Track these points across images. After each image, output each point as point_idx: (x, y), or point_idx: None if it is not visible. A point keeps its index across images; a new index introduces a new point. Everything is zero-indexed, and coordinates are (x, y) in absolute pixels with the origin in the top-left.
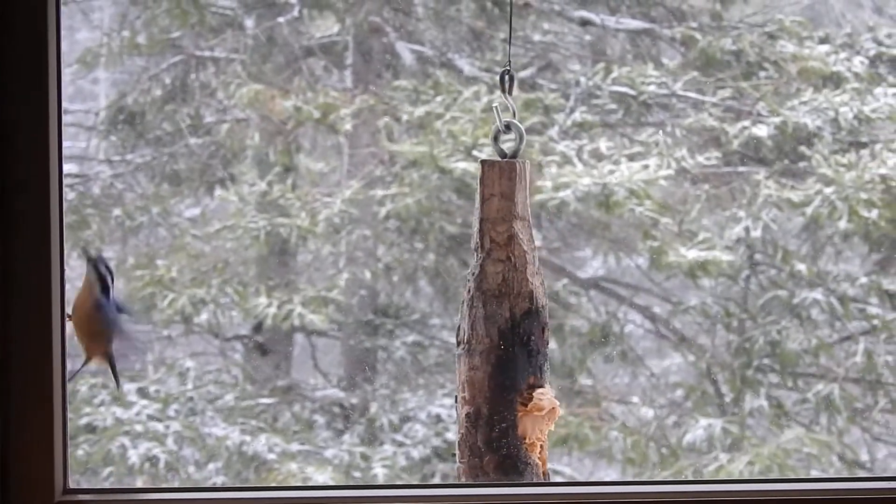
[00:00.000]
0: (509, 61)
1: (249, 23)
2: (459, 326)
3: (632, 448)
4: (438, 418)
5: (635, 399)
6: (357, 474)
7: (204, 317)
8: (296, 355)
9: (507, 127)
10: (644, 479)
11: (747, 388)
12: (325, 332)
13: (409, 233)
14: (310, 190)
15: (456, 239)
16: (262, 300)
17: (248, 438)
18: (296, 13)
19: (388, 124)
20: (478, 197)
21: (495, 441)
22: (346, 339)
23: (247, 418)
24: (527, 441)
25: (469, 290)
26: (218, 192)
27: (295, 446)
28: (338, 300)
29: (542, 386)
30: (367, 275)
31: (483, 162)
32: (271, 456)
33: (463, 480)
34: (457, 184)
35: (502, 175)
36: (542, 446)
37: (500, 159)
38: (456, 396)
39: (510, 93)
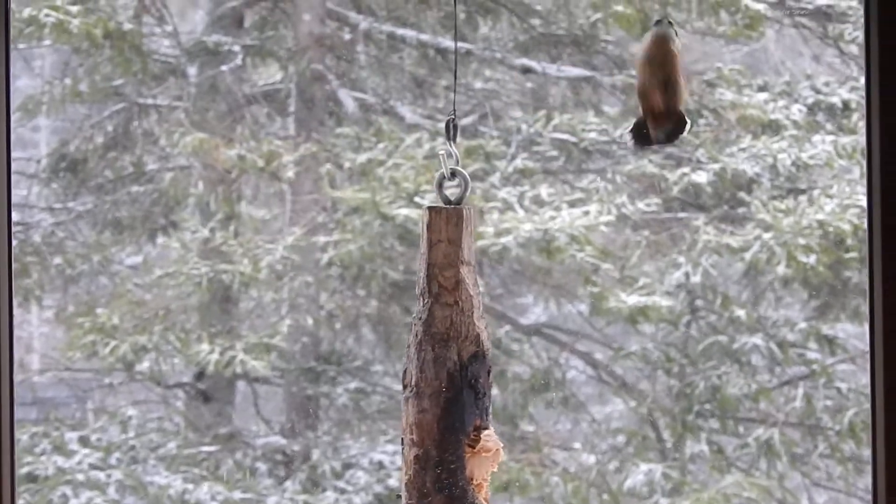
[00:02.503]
0: (454, 109)
1: (192, 71)
2: (406, 370)
3: (573, 494)
4: (381, 465)
5: (577, 445)
6: None
7: (146, 364)
8: (238, 402)
9: (452, 174)
10: None
11: (688, 433)
12: (267, 379)
13: (352, 279)
14: (252, 237)
15: (398, 285)
16: (205, 347)
17: (190, 487)
18: (238, 61)
19: (331, 171)
20: (424, 242)
21: (444, 482)
22: (289, 386)
23: (189, 466)
24: (474, 482)
25: (416, 335)
26: (160, 239)
27: (237, 494)
28: (280, 347)
29: (487, 428)
30: (310, 321)
31: (430, 208)
32: None
33: None
34: (399, 230)
35: (449, 221)
36: (486, 488)
37: (446, 206)
38: (402, 439)
39: (454, 140)
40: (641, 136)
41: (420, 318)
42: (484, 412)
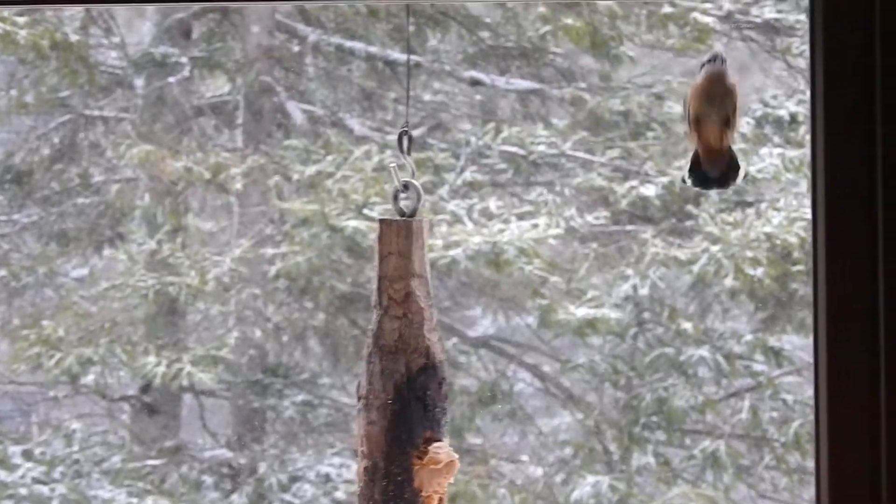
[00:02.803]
0: (407, 121)
1: (139, 82)
2: (359, 382)
3: None
4: (328, 478)
5: (524, 457)
6: None
7: (91, 377)
8: (184, 415)
9: (405, 186)
10: None
11: (634, 445)
12: (213, 391)
13: (299, 292)
14: (199, 249)
15: (346, 298)
16: (151, 359)
17: (135, 501)
18: (186, 73)
19: (279, 183)
20: (376, 255)
21: (392, 495)
22: (235, 398)
23: (134, 480)
24: (423, 494)
25: (368, 346)
26: (106, 251)
27: None
28: (227, 359)
29: (439, 440)
30: (258, 334)
31: (381, 221)
32: None
33: None
34: (347, 242)
35: (399, 234)
36: (440, 500)
37: (397, 218)
38: (356, 450)
39: (408, 152)
40: (700, 176)
41: (372, 331)
42: (435, 424)
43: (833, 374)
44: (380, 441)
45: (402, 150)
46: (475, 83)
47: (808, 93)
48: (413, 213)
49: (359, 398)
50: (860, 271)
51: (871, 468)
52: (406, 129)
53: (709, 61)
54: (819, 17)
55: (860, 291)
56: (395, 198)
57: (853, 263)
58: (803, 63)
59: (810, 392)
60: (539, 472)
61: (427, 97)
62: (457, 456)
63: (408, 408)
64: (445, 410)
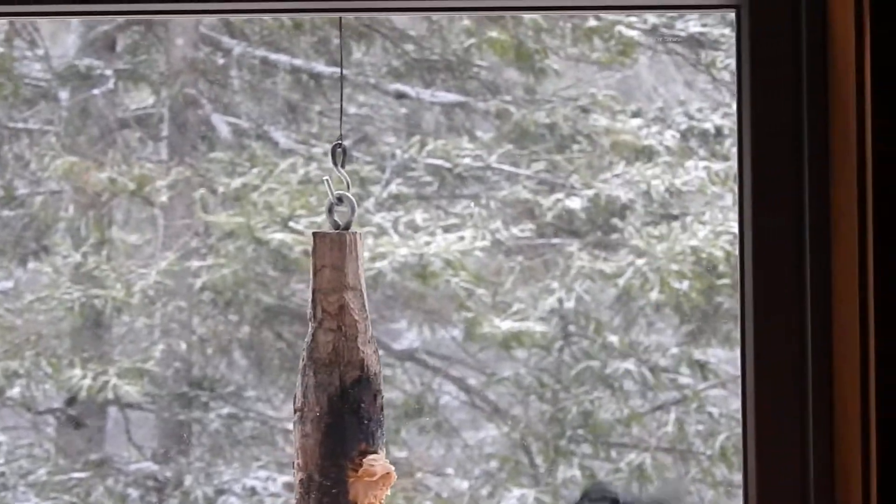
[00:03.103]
0: (341, 134)
1: (64, 94)
2: (295, 395)
3: None
4: (253, 490)
5: (449, 470)
6: None
7: (17, 390)
8: (109, 428)
9: (340, 199)
10: None
11: (560, 458)
12: (139, 404)
13: (224, 304)
14: (125, 262)
15: (271, 310)
16: (77, 372)
17: None
18: (111, 85)
19: (204, 196)
20: (310, 268)
21: None
22: (161, 411)
23: (59, 493)
24: None
25: (303, 359)
26: (31, 264)
27: None
28: (153, 372)
29: (375, 452)
30: (183, 346)
31: (315, 234)
32: None
33: None
34: (273, 255)
35: (333, 246)
36: None
37: (330, 231)
38: (293, 463)
39: (342, 165)
40: None
41: (307, 343)
42: (371, 436)
43: (760, 386)
44: (314, 453)
45: (335, 163)
46: (400, 96)
47: (734, 106)
48: (347, 226)
49: (295, 411)
50: (787, 283)
51: (799, 481)
52: (340, 142)
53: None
54: (745, 30)
55: (787, 304)
56: (330, 210)
57: (780, 275)
58: (728, 76)
59: (736, 405)
60: (465, 485)
61: (352, 110)
62: (393, 468)
63: (342, 420)
64: (381, 423)
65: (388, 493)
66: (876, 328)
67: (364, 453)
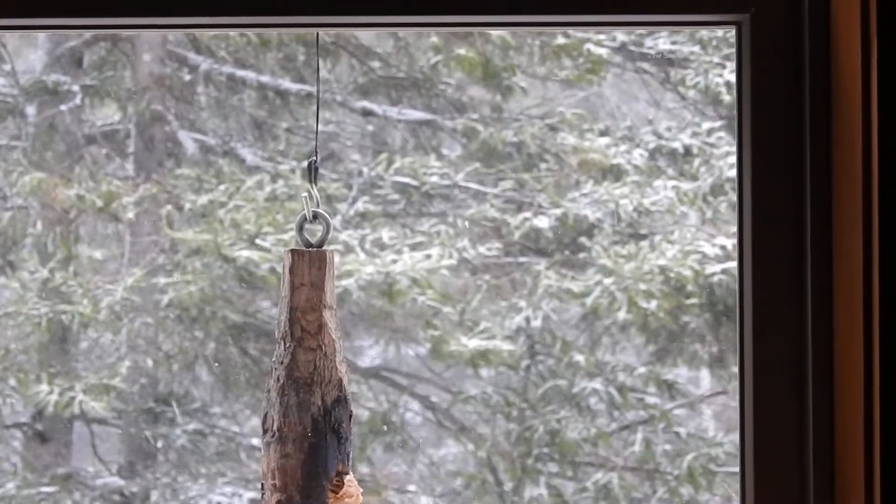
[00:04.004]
0: (316, 151)
1: (31, 110)
2: (267, 414)
3: None
4: None
5: (414, 488)
6: None
7: None
8: (75, 443)
9: (314, 216)
10: None
11: (527, 477)
12: (104, 419)
13: (190, 321)
14: (92, 277)
15: (237, 327)
16: (44, 388)
17: None
18: (77, 101)
19: (171, 213)
20: (286, 286)
21: None
22: (127, 426)
23: None
24: None
25: (279, 379)
26: None
27: None
28: (119, 388)
29: (348, 473)
30: (150, 363)
31: (292, 251)
32: None
33: None
34: (240, 272)
35: (312, 264)
36: None
37: (307, 249)
38: (262, 484)
39: (315, 182)
40: None
41: (282, 363)
42: (346, 457)
43: (759, 398)
44: (295, 474)
45: (310, 181)
46: (367, 113)
47: (704, 125)
48: (322, 244)
49: (265, 431)
50: (787, 299)
51: (798, 491)
52: (314, 159)
53: None
54: (746, 47)
55: (787, 318)
56: (301, 228)
57: (780, 292)
58: (697, 95)
59: (704, 425)
60: (431, 503)
61: (319, 127)
62: (361, 490)
63: (324, 441)
64: (352, 443)
65: None
66: (881, 337)
67: (340, 474)
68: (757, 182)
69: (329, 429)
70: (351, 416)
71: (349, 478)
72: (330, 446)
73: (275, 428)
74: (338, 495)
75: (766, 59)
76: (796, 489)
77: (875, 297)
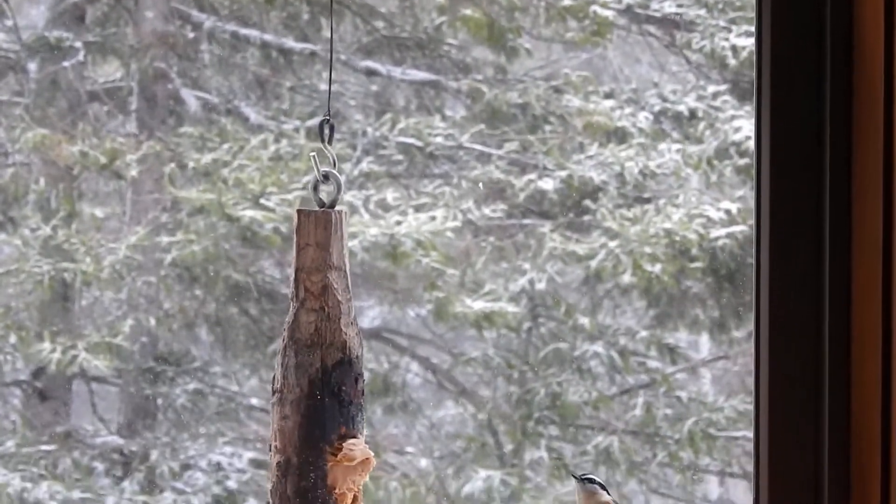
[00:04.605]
0: (328, 110)
1: (33, 66)
2: (274, 375)
3: (410, 499)
4: (219, 466)
5: (414, 450)
6: None
7: None
8: (74, 401)
9: (326, 177)
10: None
11: (527, 439)
12: (103, 378)
13: (192, 280)
14: (94, 235)
15: (240, 287)
16: (46, 345)
17: (29, 485)
18: (80, 58)
19: (174, 171)
20: (294, 246)
21: (305, 491)
22: (127, 385)
23: (27, 465)
24: (337, 491)
25: (283, 339)
26: (0, 236)
27: (76, 494)
28: (121, 346)
29: (354, 436)
30: (152, 322)
31: (299, 211)
32: (52, 503)
33: None
34: (244, 232)
35: (318, 225)
36: (355, 497)
37: (315, 209)
38: (270, 445)
39: (330, 142)
40: None
41: (287, 323)
42: (351, 420)
43: (775, 378)
44: (293, 436)
45: (323, 140)
46: (370, 73)
47: (710, 88)
48: (333, 204)
49: (273, 392)
50: (805, 278)
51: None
52: (328, 117)
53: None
54: (766, 7)
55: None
56: (315, 188)
57: (798, 270)
58: (702, 59)
59: (704, 389)
60: (431, 465)
61: (322, 86)
62: (372, 454)
63: (322, 403)
64: (362, 407)
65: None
66: None
67: (343, 437)
68: (776, 142)
69: (328, 391)
70: (358, 378)
71: (353, 441)
72: (329, 409)
73: (278, 389)
74: (337, 458)
75: (786, 17)
76: (811, 455)
77: (895, 255)
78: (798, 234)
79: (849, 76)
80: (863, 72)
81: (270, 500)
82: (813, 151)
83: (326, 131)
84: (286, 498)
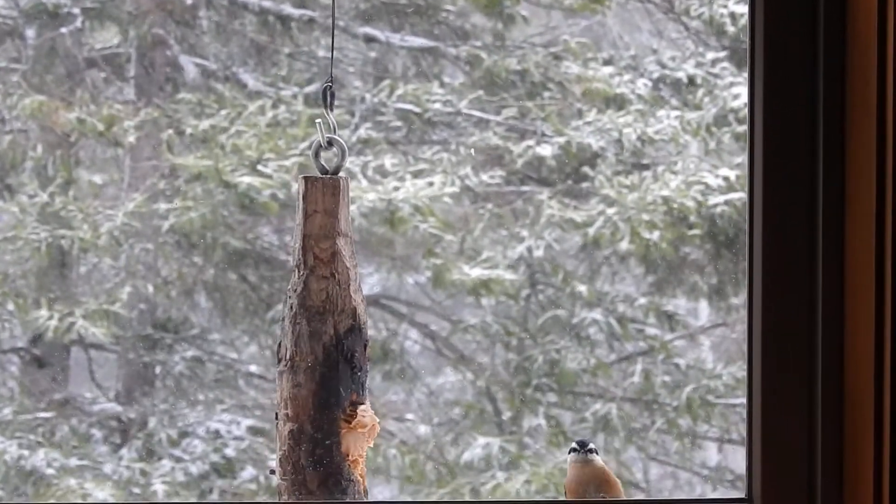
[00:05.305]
0: (331, 76)
1: (30, 33)
2: (280, 343)
3: (410, 466)
4: (217, 434)
5: (414, 417)
6: (137, 490)
7: None
8: (72, 368)
9: (329, 143)
10: (422, 498)
11: (525, 407)
12: (101, 345)
13: (190, 247)
14: (92, 202)
15: (237, 253)
16: (43, 313)
17: (26, 453)
18: (78, 24)
19: (171, 137)
20: (299, 213)
21: (319, 458)
22: (125, 352)
23: (24, 432)
24: (350, 458)
25: (292, 307)
26: None
27: (73, 461)
28: (120, 313)
29: (363, 403)
30: (149, 288)
31: (306, 178)
32: (50, 471)
33: (286, 498)
34: (241, 199)
35: (325, 191)
36: (362, 463)
37: (322, 175)
38: (276, 413)
39: (331, 108)
40: None
41: (295, 291)
42: (360, 387)
43: (768, 345)
44: (307, 404)
45: (325, 106)
46: (369, 40)
47: (708, 55)
48: (336, 171)
49: (279, 360)
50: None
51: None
52: (330, 83)
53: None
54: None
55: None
56: (317, 154)
57: (790, 237)
58: (701, 25)
59: (702, 356)
60: (430, 432)
61: (321, 53)
62: (378, 420)
63: (336, 370)
64: (367, 373)
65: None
66: (894, 263)
67: (354, 404)
68: (769, 111)
69: (342, 358)
70: (366, 345)
71: (363, 408)
72: (342, 376)
73: (287, 357)
74: (351, 425)
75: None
76: (804, 421)
77: (888, 226)
78: (791, 201)
79: (842, 44)
80: (856, 39)
81: (281, 469)
82: (806, 119)
83: (328, 97)
84: (300, 466)
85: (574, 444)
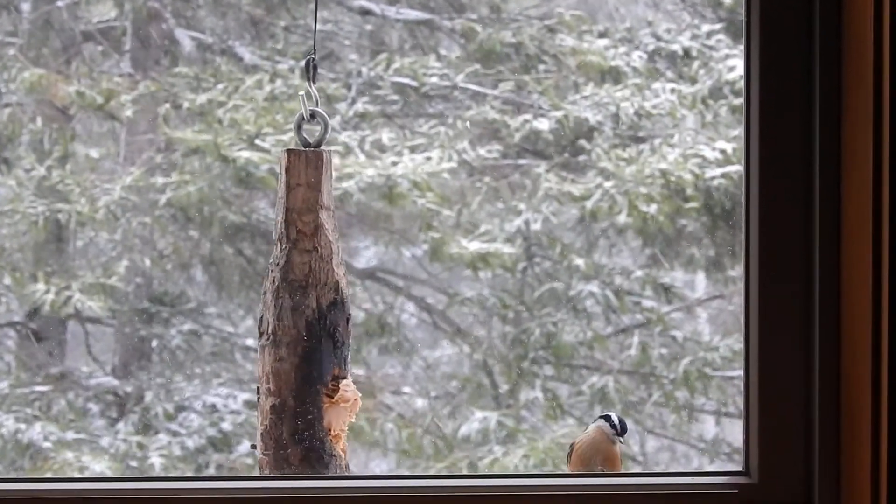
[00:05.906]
0: (314, 49)
1: (26, 6)
2: (262, 317)
3: (407, 440)
4: (214, 408)
5: (411, 390)
6: (133, 464)
7: None
8: (69, 342)
9: (312, 115)
10: (419, 472)
11: (522, 380)
12: (99, 319)
13: (186, 221)
14: (89, 176)
15: (235, 227)
16: (40, 286)
17: (23, 426)
18: None
19: (168, 111)
20: (282, 186)
21: (301, 433)
22: (122, 326)
23: (21, 406)
24: (332, 433)
25: (274, 281)
26: None
27: (70, 435)
28: (117, 287)
29: (345, 377)
30: (146, 262)
31: (289, 151)
32: (47, 444)
33: (267, 472)
34: (238, 173)
35: (308, 165)
36: (343, 438)
37: (304, 148)
38: (258, 388)
39: (314, 81)
40: None
41: (277, 265)
42: (342, 361)
43: (765, 317)
44: (289, 378)
45: (308, 79)
46: (364, 12)
47: (704, 27)
48: (319, 144)
49: (261, 334)
50: (794, 216)
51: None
52: (313, 56)
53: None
54: None
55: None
56: (299, 127)
57: (787, 209)
58: None
59: (699, 329)
60: (427, 405)
61: (317, 26)
62: (360, 395)
63: (319, 344)
64: (350, 347)
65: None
66: (891, 241)
67: (337, 378)
68: (765, 83)
69: (324, 332)
70: (349, 319)
71: (345, 382)
72: (325, 350)
73: (269, 331)
74: (333, 400)
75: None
76: (801, 394)
77: (885, 197)
78: (788, 173)
79: (838, 15)
80: (852, 10)
81: (263, 444)
82: (802, 91)
83: (311, 70)
84: (282, 442)
85: (614, 419)
